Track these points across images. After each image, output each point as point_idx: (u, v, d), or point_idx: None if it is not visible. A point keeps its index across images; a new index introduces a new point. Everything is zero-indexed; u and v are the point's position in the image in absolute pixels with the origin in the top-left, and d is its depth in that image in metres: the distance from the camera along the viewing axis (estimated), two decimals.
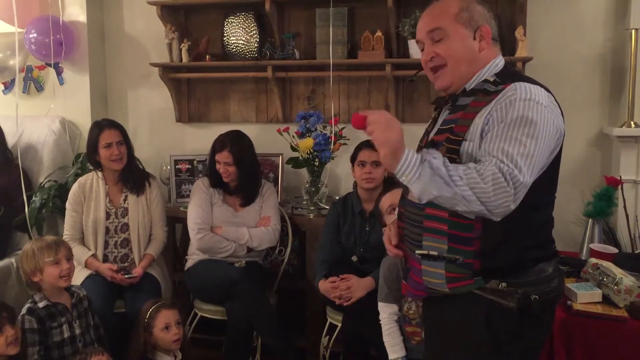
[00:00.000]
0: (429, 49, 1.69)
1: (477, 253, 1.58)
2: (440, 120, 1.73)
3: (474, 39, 1.65)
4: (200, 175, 3.48)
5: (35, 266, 2.49)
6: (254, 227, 3.17)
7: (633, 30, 3.07)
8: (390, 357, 2.40)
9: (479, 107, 1.59)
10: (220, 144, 3.15)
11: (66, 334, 2.51)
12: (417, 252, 1.66)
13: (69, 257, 2.56)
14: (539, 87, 1.59)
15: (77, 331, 2.55)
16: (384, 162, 1.50)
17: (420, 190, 1.46)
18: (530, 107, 1.51)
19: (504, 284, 1.58)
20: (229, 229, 3.13)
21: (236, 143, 3.14)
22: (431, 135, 1.73)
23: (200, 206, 3.15)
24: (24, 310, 2.46)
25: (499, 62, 1.69)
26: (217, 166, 3.14)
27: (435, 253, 1.62)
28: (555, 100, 1.62)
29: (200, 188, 3.22)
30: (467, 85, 1.67)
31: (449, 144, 1.59)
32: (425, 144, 1.72)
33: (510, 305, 1.57)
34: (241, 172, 3.14)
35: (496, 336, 1.61)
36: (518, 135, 1.48)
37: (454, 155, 1.56)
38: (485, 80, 1.63)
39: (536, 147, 1.48)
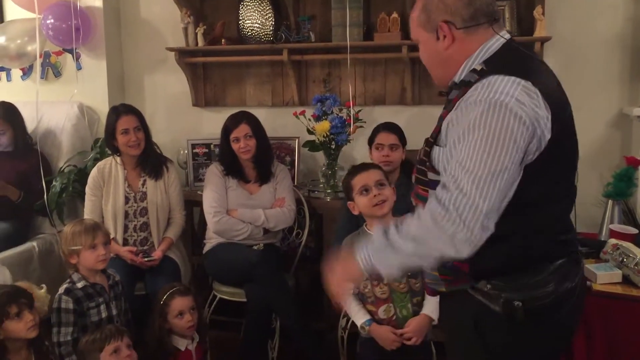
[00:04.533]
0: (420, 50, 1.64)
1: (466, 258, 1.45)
2: None
3: (438, 39, 1.53)
4: (217, 159, 3.44)
5: (73, 249, 2.52)
6: (269, 209, 3.19)
7: None
8: (358, 324, 2.46)
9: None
10: (233, 121, 3.16)
11: (104, 314, 2.54)
12: None
13: (106, 242, 2.58)
14: (512, 78, 1.39)
15: (114, 312, 2.58)
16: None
17: (385, 271, 1.49)
18: (486, 113, 1.35)
19: (489, 286, 1.49)
20: (244, 211, 3.15)
21: (250, 116, 3.20)
22: None
23: (215, 190, 3.17)
24: (61, 290, 2.50)
25: (492, 45, 1.51)
26: (235, 145, 3.14)
27: None
28: (541, 88, 1.40)
29: (214, 173, 3.23)
30: (456, 77, 1.55)
31: (426, 146, 1.54)
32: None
33: (496, 310, 1.49)
34: (259, 145, 3.17)
35: (484, 339, 1.53)
36: (469, 152, 1.35)
37: (424, 158, 1.52)
38: (473, 70, 1.49)
39: (490, 163, 1.34)
